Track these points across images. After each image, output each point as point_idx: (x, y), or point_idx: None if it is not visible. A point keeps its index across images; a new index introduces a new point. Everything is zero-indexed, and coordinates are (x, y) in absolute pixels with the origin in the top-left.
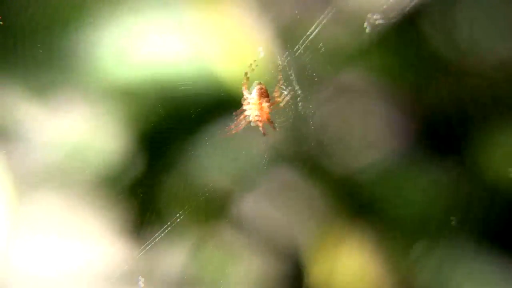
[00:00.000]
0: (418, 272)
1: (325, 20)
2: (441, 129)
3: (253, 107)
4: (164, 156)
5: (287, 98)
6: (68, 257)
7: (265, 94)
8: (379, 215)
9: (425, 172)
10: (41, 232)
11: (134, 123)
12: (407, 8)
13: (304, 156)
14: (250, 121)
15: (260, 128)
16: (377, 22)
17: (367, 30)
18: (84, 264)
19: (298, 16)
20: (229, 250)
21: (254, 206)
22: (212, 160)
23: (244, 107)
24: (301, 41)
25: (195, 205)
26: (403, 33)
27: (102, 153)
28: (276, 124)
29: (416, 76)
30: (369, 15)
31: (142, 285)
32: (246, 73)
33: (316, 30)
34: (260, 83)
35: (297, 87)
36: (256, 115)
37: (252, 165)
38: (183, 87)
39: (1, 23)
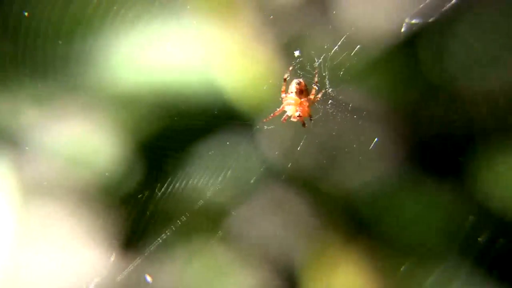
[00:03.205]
0: None
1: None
2: (440, 150)
3: (293, 105)
4: (161, 167)
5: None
6: (54, 267)
7: (304, 91)
8: (375, 235)
9: (423, 193)
10: (38, 239)
11: (134, 133)
12: (445, 9)
13: (300, 173)
14: (290, 117)
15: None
16: (413, 22)
17: (402, 30)
18: (75, 273)
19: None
20: (221, 266)
21: (248, 221)
22: (208, 173)
23: (284, 106)
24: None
25: (188, 218)
26: (400, 54)
27: (101, 162)
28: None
29: (415, 97)
30: (406, 19)
31: (150, 280)
32: (285, 79)
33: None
34: (299, 80)
35: (330, 89)
36: (297, 113)
37: (248, 180)
38: (185, 98)
39: (26, 14)
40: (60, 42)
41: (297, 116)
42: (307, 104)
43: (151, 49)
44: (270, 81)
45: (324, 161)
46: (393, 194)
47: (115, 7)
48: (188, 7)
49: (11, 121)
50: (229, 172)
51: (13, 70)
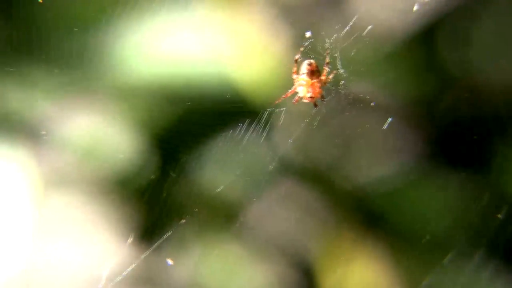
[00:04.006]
0: (428, 286)
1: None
2: (456, 142)
3: (304, 87)
4: (175, 160)
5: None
6: (72, 257)
7: (316, 71)
8: (390, 227)
9: (438, 186)
10: (54, 230)
11: (147, 125)
12: None
13: (315, 165)
14: (301, 98)
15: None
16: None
17: (415, 9)
18: (89, 265)
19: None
20: (235, 259)
21: (262, 214)
22: (221, 166)
23: (296, 87)
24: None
25: (201, 211)
26: (417, 46)
27: (117, 153)
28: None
29: (431, 88)
30: None
31: (171, 262)
32: (296, 60)
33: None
34: (310, 61)
35: (341, 70)
36: (309, 93)
37: (262, 173)
38: (198, 89)
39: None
40: (76, 30)
41: (309, 97)
42: (319, 85)
43: (164, 41)
44: (282, 71)
45: (338, 151)
46: (409, 187)
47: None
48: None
49: (29, 113)
50: (242, 163)
51: (31, 63)
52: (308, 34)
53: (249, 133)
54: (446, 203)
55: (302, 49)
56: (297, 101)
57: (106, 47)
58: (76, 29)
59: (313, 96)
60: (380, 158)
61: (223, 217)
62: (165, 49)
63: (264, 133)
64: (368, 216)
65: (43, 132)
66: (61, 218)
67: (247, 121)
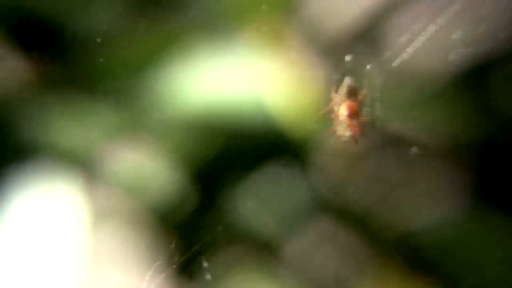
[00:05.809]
0: None
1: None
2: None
3: (342, 106)
4: (214, 195)
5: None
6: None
7: (354, 92)
8: (438, 276)
9: (489, 231)
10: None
11: (188, 160)
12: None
13: (358, 207)
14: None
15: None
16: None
17: (450, 57)
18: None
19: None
20: None
21: (298, 253)
22: (261, 203)
23: (333, 105)
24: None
25: (236, 247)
26: (466, 86)
27: (157, 189)
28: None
29: (478, 130)
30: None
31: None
32: (335, 78)
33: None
34: (350, 80)
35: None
36: (348, 133)
37: (300, 211)
38: (239, 126)
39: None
40: (120, 76)
41: (349, 136)
42: (357, 122)
43: (209, 79)
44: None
45: (385, 198)
46: (458, 230)
47: (175, 43)
48: (243, 41)
49: (81, 149)
50: (281, 201)
51: (87, 102)
52: (348, 58)
53: (288, 168)
54: (498, 251)
55: (341, 70)
56: (333, 134)
57: (155, 85)
58: (130, 71)
59: (353, 134)
60: (427, 202)
61: (257, 253)
62: (209, 86)
63: (303, 169)
64: (415, 263)
65: (93, 167)
66: (106, 248)
67: (286, 156)
